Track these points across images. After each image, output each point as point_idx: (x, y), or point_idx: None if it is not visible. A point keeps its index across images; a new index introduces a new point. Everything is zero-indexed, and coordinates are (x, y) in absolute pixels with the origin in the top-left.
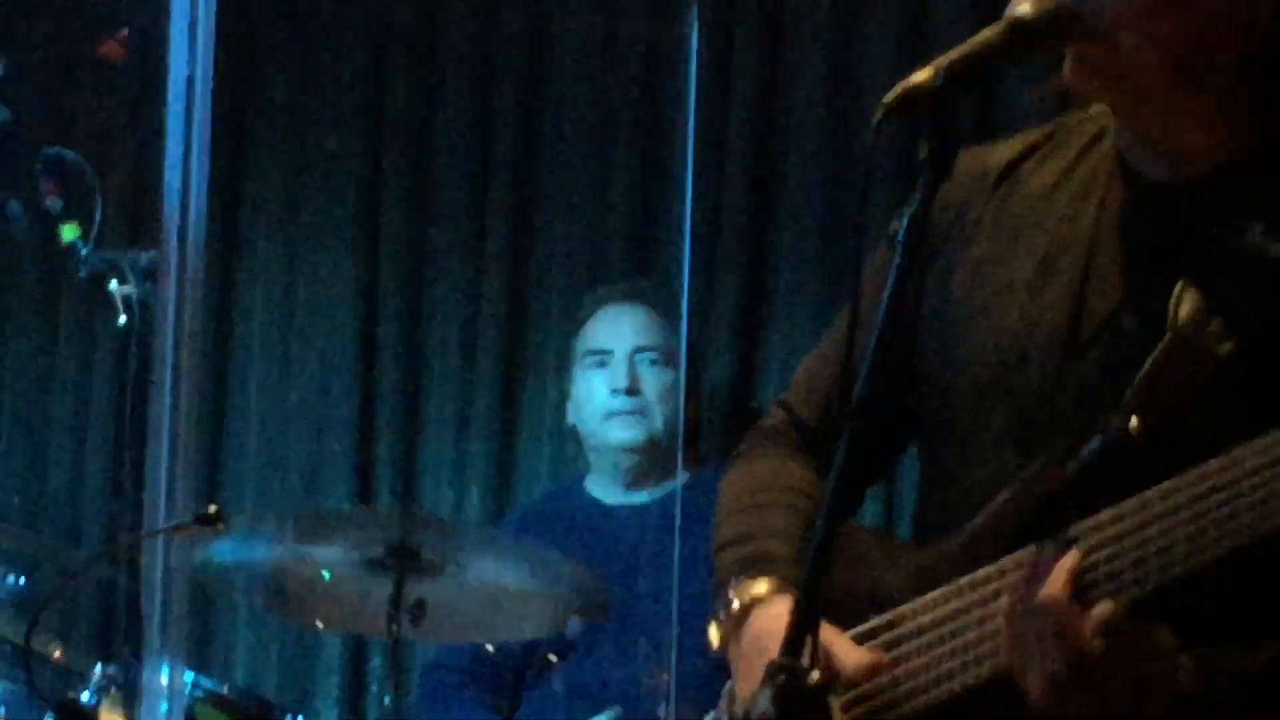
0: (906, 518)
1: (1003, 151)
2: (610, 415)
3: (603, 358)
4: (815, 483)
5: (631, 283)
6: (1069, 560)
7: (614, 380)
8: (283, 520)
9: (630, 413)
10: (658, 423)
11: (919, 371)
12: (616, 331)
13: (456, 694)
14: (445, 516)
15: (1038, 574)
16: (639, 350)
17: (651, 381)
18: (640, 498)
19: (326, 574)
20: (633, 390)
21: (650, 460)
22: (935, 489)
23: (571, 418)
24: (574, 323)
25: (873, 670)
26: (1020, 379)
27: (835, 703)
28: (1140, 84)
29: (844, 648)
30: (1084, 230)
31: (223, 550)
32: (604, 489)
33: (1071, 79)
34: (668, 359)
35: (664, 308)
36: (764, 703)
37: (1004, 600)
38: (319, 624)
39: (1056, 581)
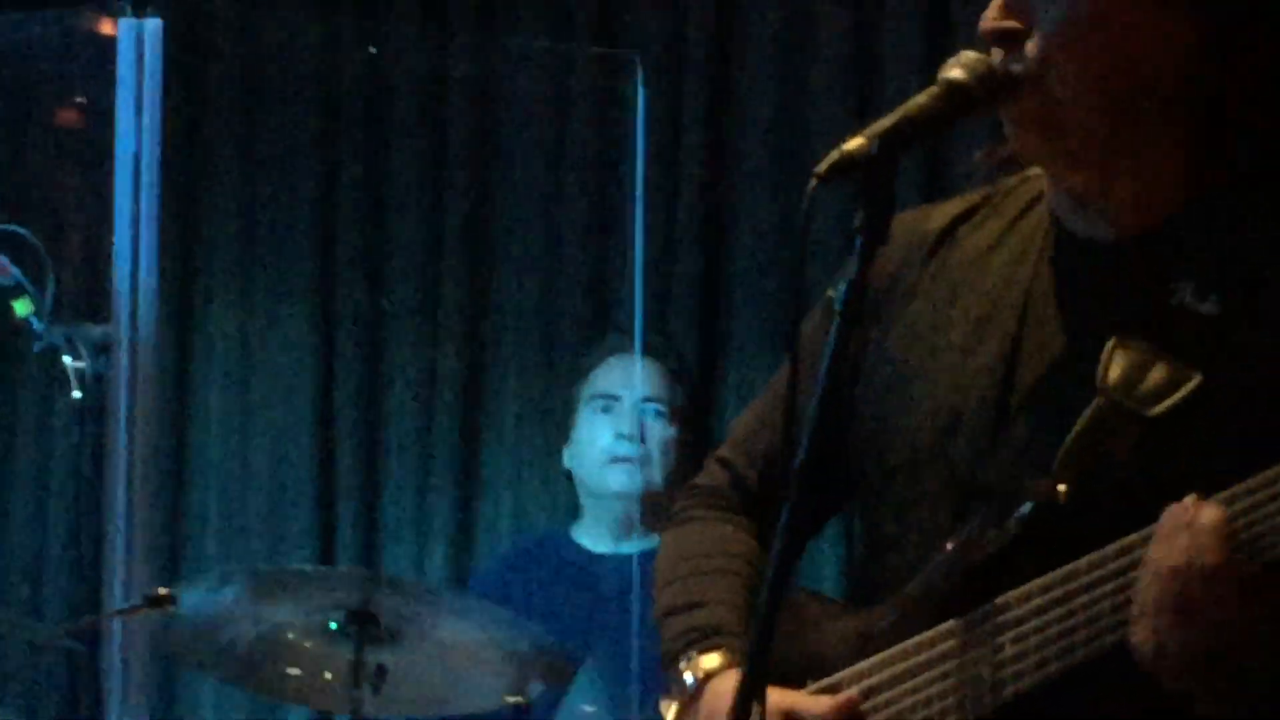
0: None
1: (941, 214)
2: (612, 461)
3: (609, 403)
4: (756, 548)
5: (646, 336)
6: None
7: (619, 425)
8: (243, 578)
9: (632, 460)
10: (656, 475)
11: (855, 434)
12: (626, 379)
13: None
14: (407, 577)
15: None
16: (647, 400)
17: (655, 433)
18: (628, 549)
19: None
20: (637, 438)
21: (643, 511)
22: (872, 550)
23: (568, 461)
24: (578, 368)
25: (847, 707)
26: (953, 443)
27: None
28: (1075, 133)
29: (807, 700)
30: (1018, 291)
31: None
32: (593, 537)
33: (1010, 139)
34: (673, 415)
35: (674, 364)
36: None
37: (939, 669)
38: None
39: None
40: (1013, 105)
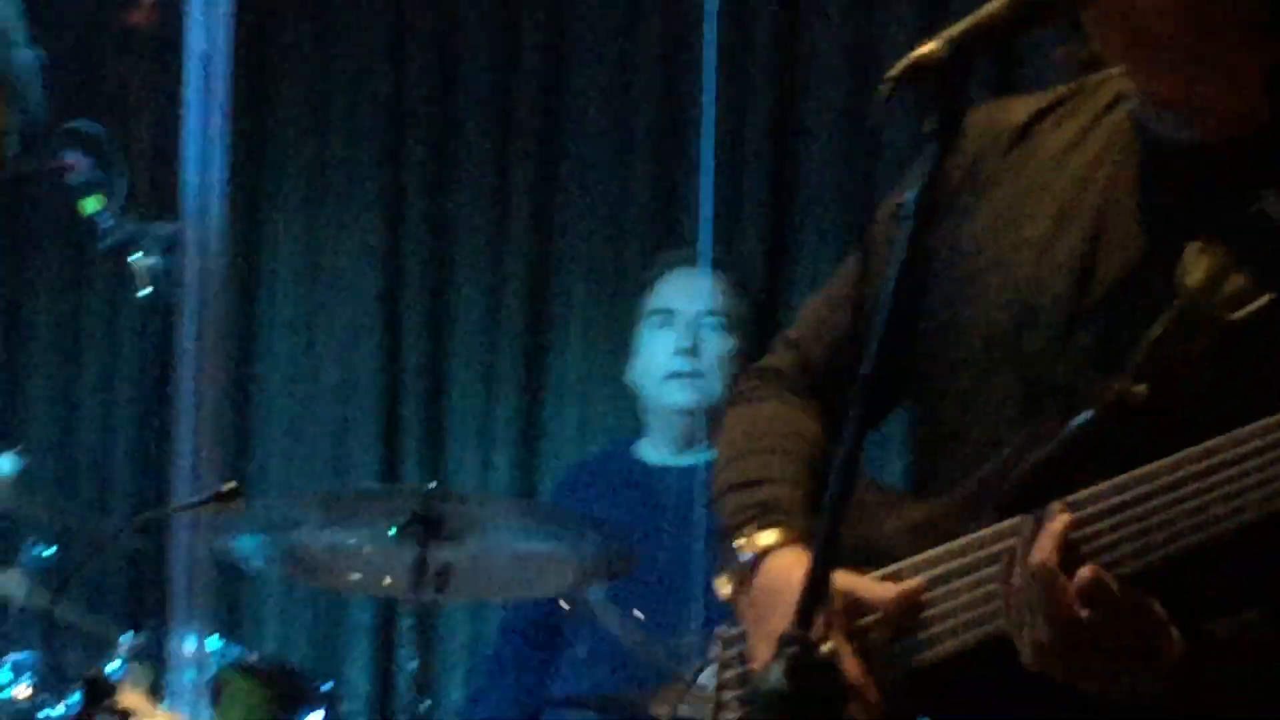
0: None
1: (1020, 109)
2: (669, 376)
3: (668, 317)
4: (819, 430)
5: (706, 248)
6: (1056, 525)
7: (676, 340)
8: (306, 500)
9: (689, 375)
10: (716, 387)
11: (924, 327)
12: (684, 293)
13: (527, 659)
14: (471, 487)
15: (1029, 540)
16: (705, 314)
17: (713, 346)
18: (688, 460)
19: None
20: (695, 352)
21: (703, 425)
22: (934, 444)
23: (630, 377)
24: (642, 284)
25: (912, 597)
26: (1027, 338)
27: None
28: (1157, 38)
29: (869, 584)
30: (1098, 191)
31: (247, 530)
32: (655, 451)
33: (1091, 40)
34: (732, 326)
35: (736, 275)
36: (775, 676)
37: (1000, 565)
38: (344, 588)
39: (1044, 547)
40: (1093, 8)
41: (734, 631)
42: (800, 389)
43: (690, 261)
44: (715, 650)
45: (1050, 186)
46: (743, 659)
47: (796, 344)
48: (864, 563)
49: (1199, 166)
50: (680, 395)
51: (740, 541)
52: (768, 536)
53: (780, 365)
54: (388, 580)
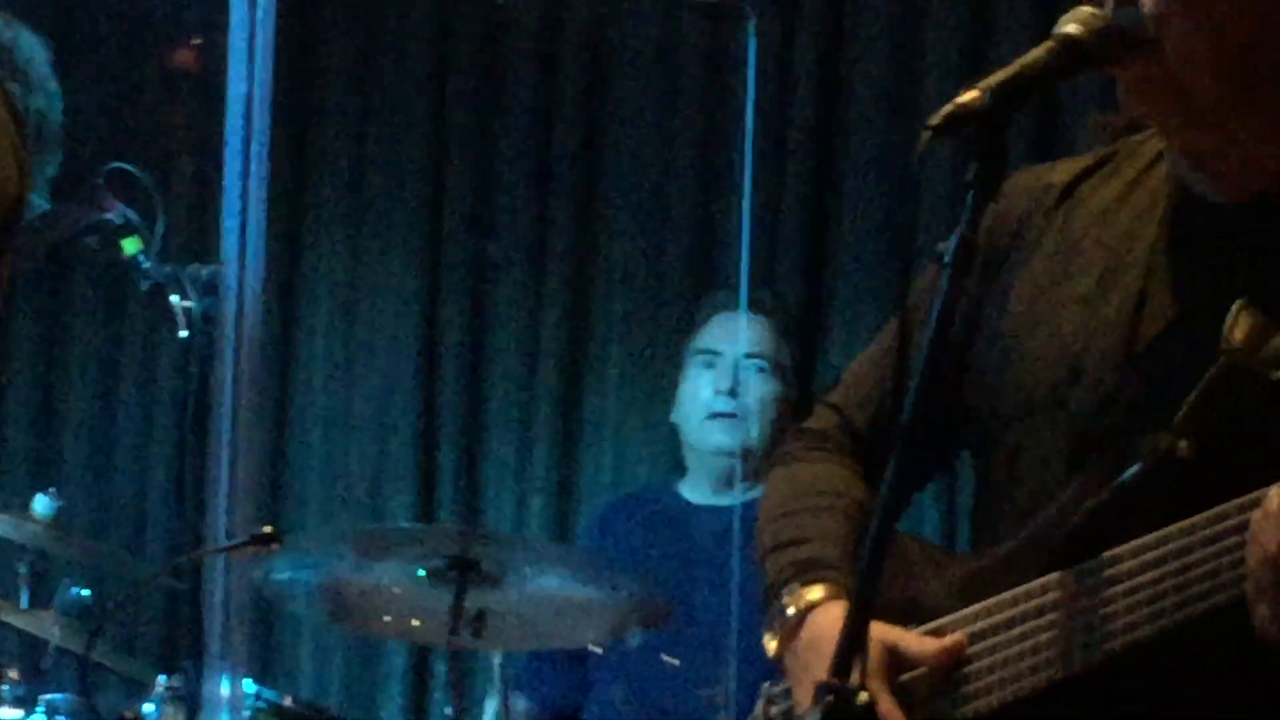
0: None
1: (1064, 170)
2: (711, 417)
3: (711, 359)
4: (864, 489)
5: (754, 292)
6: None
7: (718, 381)
8: (343, 539)
9: (729, 415)
10: (754, 430)
11: (972, 382)
12: (729, 335)
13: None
14: (507, 529)
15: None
16: (749, 355)
17: (755, 389)
18: (726, 500)
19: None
20: (736, 393)
21: (743, 466)
22: (986, 502)
23: (675, 417)
24: (687, 325)
25: (956, 651)
26: (1074, 394)
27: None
28: (1192, 96)
29: (913, 638)
30: (1143, 248)
31: (284, 567)
32: (695, 491)
33: (1125, 100)
34: (776, 370)
35: (781, 322)
36: None
37: (1046, 618)
38: (380, 633)
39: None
40: (1129, 64)
41: (779, 688)
42: (844, 450)
43: (736, 304)
44: (760, 707)
45: (1095, 244)
46: (787, 716)
47: (839, 406)
48: (910, 620)
49: (1239, 224)
50: (720, 436)
51: (785, 598)
52: (813, 592)
53: (823, 427)
54: (422, 624)
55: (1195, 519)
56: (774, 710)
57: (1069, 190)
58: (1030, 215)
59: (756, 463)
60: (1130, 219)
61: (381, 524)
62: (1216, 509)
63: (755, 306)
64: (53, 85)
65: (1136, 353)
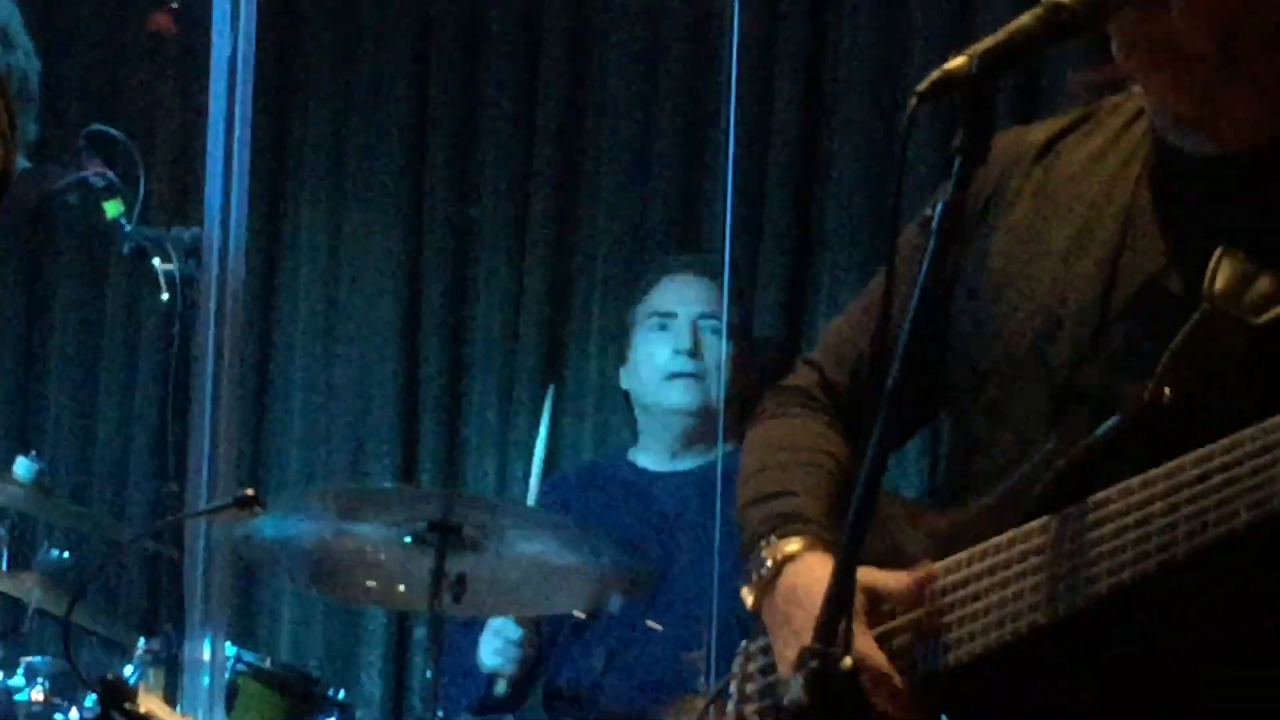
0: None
1: (1043, 129)
2: (670, 377)
3: (666, 320)
4: (844, 446)
5: (697, 255)
6: None
7: (677, 342)
8: (325, 498)
9: (691, 375)
10: (714, 390)
11: (951, 340)
12: (682, 297)
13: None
14: (488, 494)
15: None
16: (702, 317)
17: (712, 349)
18: (684, 465)
19: (368, 551)
20: (695, 353)
21: (701, 427)
22: (964, 456)
23: (625, 382)
24: (635, 290)
25: (924, 582)
26: (1051, 348)
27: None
28: (1185, 53)
29: (884, 576)
30: (1120, 203)
31: (266, 527)
32: (650, 456)
33: (1118, 59)
34: (729, 331)
35: (733, 283)
36: (796, 689)
37: (1030, 562)
38: (360, 599)
39: None
40: (1119, 27)
41: (756, 645)
42: (824, 407)
43: (684, 266)
44: (739, 663)
45: (1073, 200)
46: (764, 672)
47: (819, 363)
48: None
49: (1220, 176)
50: (681, 396)
51: (762, 550)
52: (791, 544)
53: (802, 384)
54: (403, 589)
55: (1179, 461)
56: (752, 667)
57: (1047, 147)
58: (1009, 173)
59: (713, 422)
60: (1109, 174)
61: (364, 484)
62: (1200, 451)
63: (706, 268)
64: (28, 42)
65: (1115, 306)
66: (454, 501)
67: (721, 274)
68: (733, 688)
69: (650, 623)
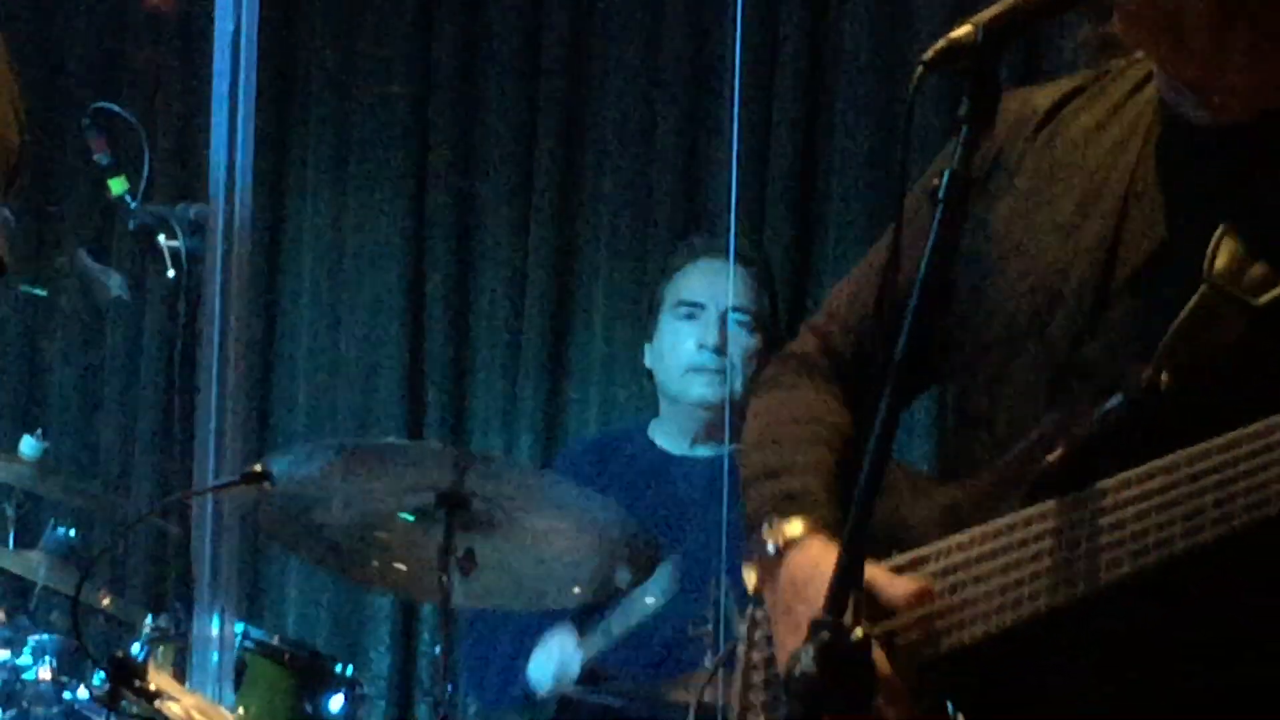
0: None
1: (1048, 93)
2: (694, 370)
3: (694, 310)
4: (846, 416)
5: (729, 241)
6: None
7: (703, 336)
8: (333, 452)
9: (715, 371)
10: (738, 384)
11: (954, 310)
12: (712, 287)
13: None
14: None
15: None
16: (732, 310)
17: (739, 344)
18: (703, 452)
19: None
20: (721, 349)
21: (722, 420)
22: (962, 425)
23: (649, 361)
24: (664, 266)
25: (921, 597)
26: (1051, 321)
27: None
28: (1185, 28)
29: (885, 578)
30: (1124, 173)
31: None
32: (670, 438)
33: (1118, 28)
34: (756, 323)
35: (761, 271)
36: (806, 661)
37: (1031, 550)
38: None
39: None
40: None
41: (762, 612)
42: (825, 375)
43: (716, 252)
44: (743, 630)
45: (1075, 169)
46: (770, 640)
47: (822, 330)
48: (892, 545)
49: (1224, 149)
50: (704, 390)
51: (765, 531)
52: (793, 527)
53: (805, 351)
54: (402, 566)
55: (1177, 455)
56: (758, 634)
57: (1051, 114)
58: (1013, 139)
59: (737, 417)
60: (1112, 143)
61: (373, 438)
62: (1199, 447)
63: (736, 256)
64: None
65: (1117, 281)
66: (463, 462)
67: (754, 261)
68: (739, 653)
69: (649, 599)
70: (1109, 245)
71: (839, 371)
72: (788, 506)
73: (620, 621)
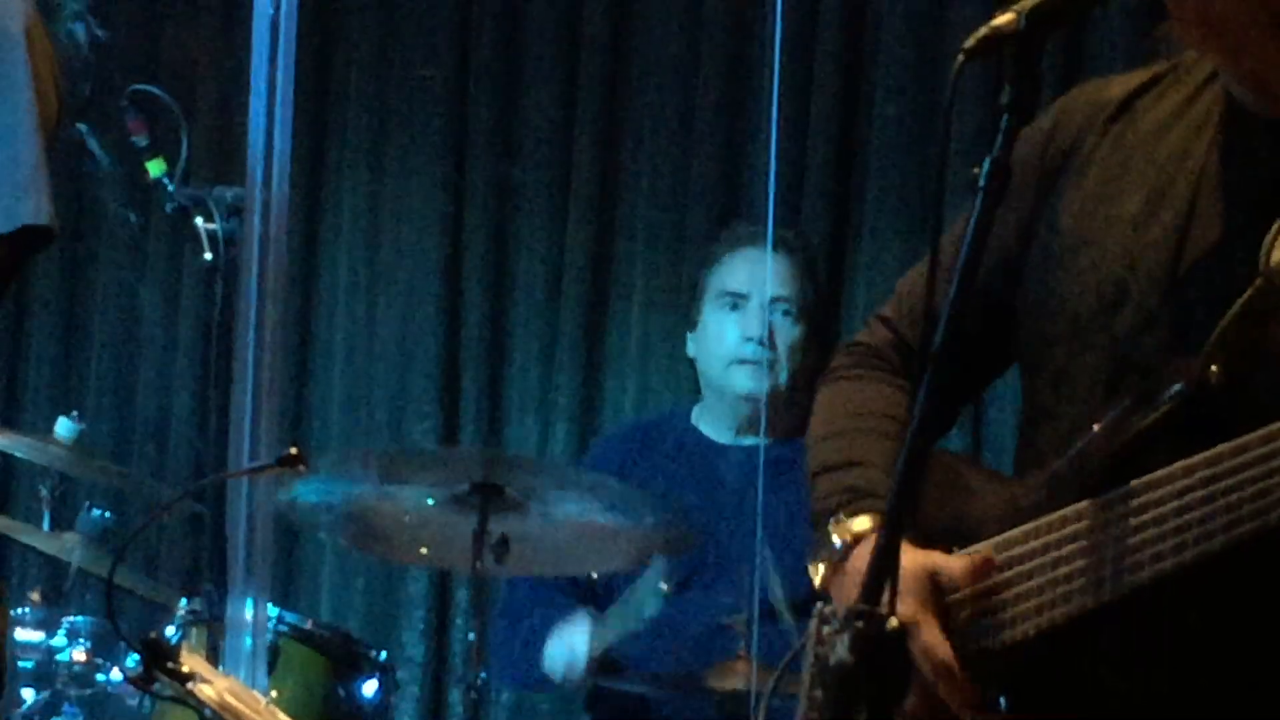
0: (991, 445)
1: (1121, 84)
2: (738, 362)
3: (738, 301)
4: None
5: (777, 229)
6: None
7: (747, 327)
8: (367, 459)
9: (760, 363)
10: (782, 376)
11: (1024, 300)
12: (756, 277)
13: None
14: (530, 453)
15: None
16: (776, 300)
17: (784, 334)
18: (747, 441)
19: (410, 513)
20: (765, 341)
21: (769, 409)
22: (1032, 423)
23: (692, 350)
24: (708, 256)
25: (983, 568)
26: (1118, 316)
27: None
28: (1231, 23)
29: (945, 558)
30: (1193, 166)
31: (308, 490)
32: (713, 426)
33: (1173, 28)
34: (801, 313)
35: (804, 260)
36: (841, 650)
37: (1073, 547)
38: (403, 559)
39: None
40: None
41: (830, 608)
42: (894, 367)
43: (761, 240)
44: (812, 625)
45: (1145, 163)
46: None
47: (890, 320)
48: (956, 542)
49: None
50: (747, 382)
51: (831, 527)
52: (860, 523)
53: (873, 342)
54: (445, 550)
55: (1220, 449)
56: (826, 630)
57: (1124, 106)
58: (1086, 130)
59: (782, 408)
60: (1181, 136)
61: (406, 446)
62: (1239, 440)
63: (780, 244)
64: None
65: (1178, 275)
66: (496, 463)
67: (798, 249)
68: (807, 648)
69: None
70: (1177, 239)
71: (906, 362)
72: (854, 502)
73: (619, 622)
